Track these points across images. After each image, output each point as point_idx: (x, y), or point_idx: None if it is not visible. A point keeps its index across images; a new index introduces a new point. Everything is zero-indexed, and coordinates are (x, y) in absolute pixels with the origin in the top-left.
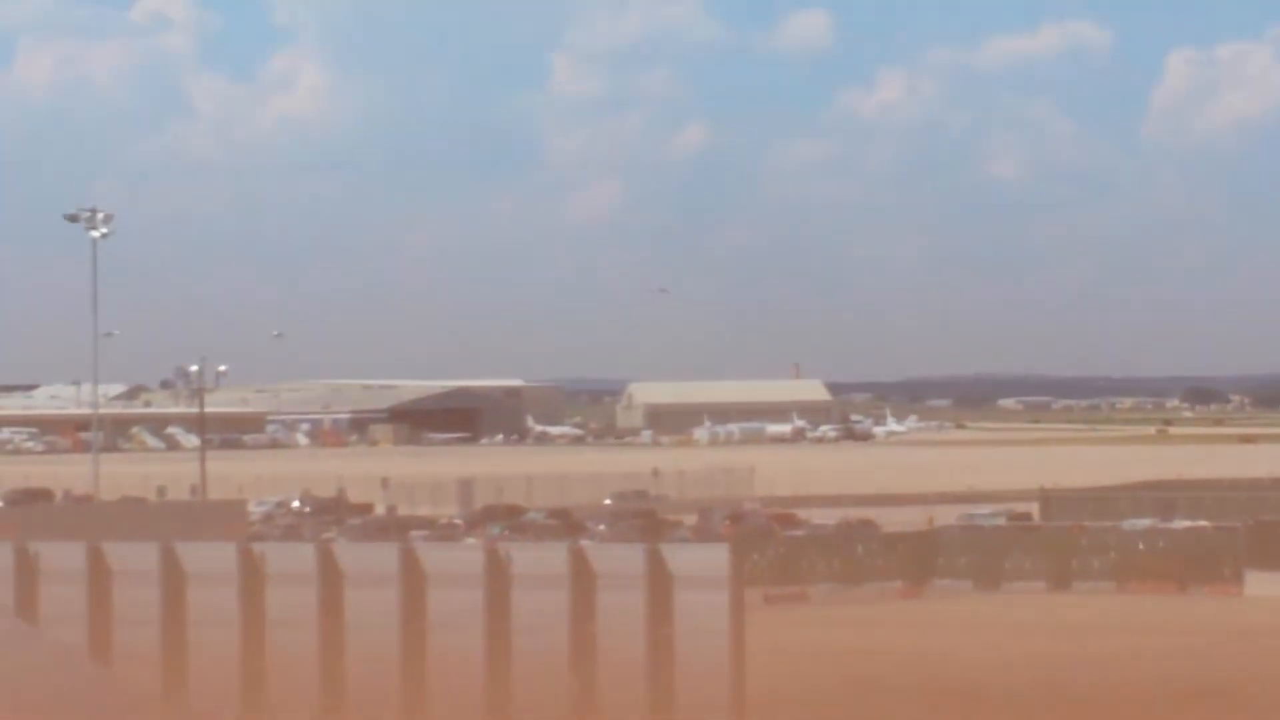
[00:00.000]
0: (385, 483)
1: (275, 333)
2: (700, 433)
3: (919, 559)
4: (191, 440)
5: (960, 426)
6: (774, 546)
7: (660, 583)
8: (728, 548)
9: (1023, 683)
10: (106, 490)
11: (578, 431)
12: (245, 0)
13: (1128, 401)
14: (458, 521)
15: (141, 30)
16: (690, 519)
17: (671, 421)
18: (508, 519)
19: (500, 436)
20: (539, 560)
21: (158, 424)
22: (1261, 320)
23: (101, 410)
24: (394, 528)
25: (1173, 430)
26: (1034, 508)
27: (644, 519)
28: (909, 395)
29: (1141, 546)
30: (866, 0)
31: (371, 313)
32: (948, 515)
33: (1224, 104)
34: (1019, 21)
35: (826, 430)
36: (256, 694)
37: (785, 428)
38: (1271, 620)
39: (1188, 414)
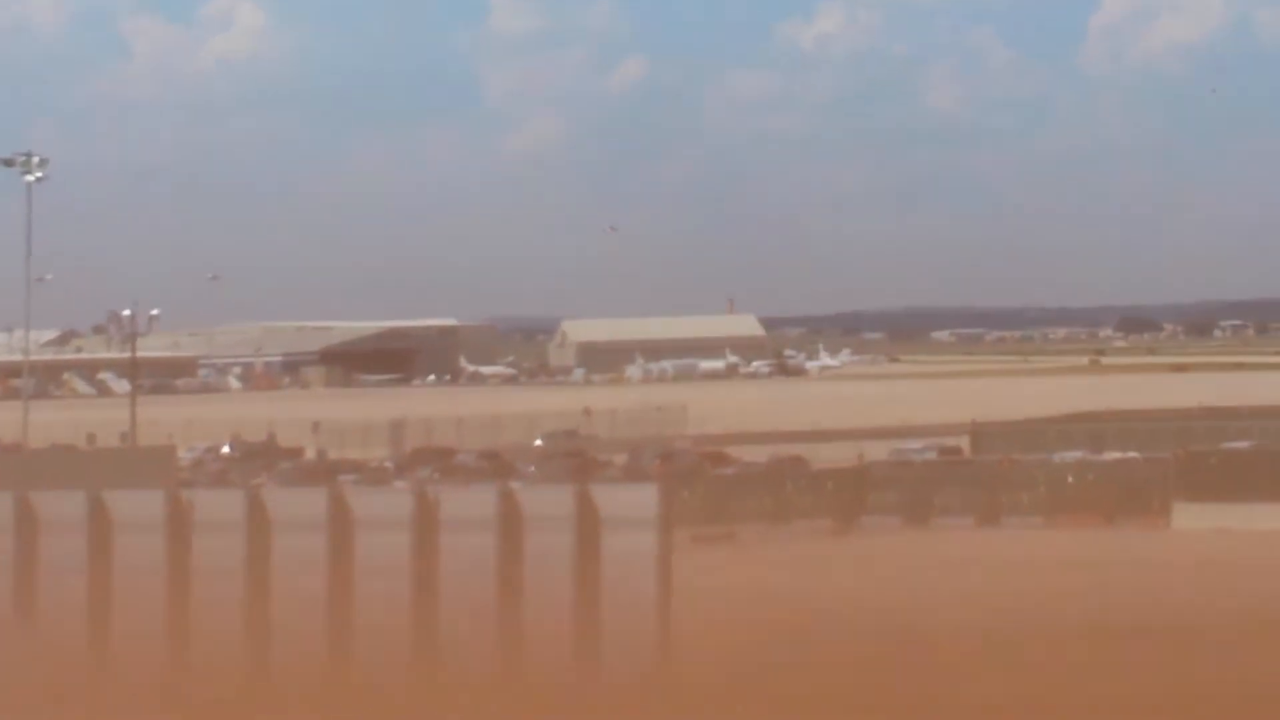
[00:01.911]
0: (316, 426)
1: (210, 275)
2: (633, 370)
3: (849, 496)
4: (123, 386)
5: (894, 360)
6: (703, 485)
7: (589, 524)
8: (657, 488)
9: (948, 623)
10: (36, 438)
11: (511, 371)
12: None
13: (1061, 332)
14: (388, 465)
15: None
16: (621, 459)
17: (605, 359)
18: (438, 461)
19: (433, 377)
20: (468, 503)
21: (89, 370)
22: (1195, 248)
23: (33, 357)
24: (324, 472)
25: (1105, 360)
26: (965, 442)
27: (575, 459)
28: (843, 329)
29: (1071, 480)
30: None
31: (307, 253)
32: (879, 451)
33: (1162, 29)
34: None
35: (759, 366)
36: (182, 642)
37: (718, 364)
38: (1190, 553)
39: (1120, 344)
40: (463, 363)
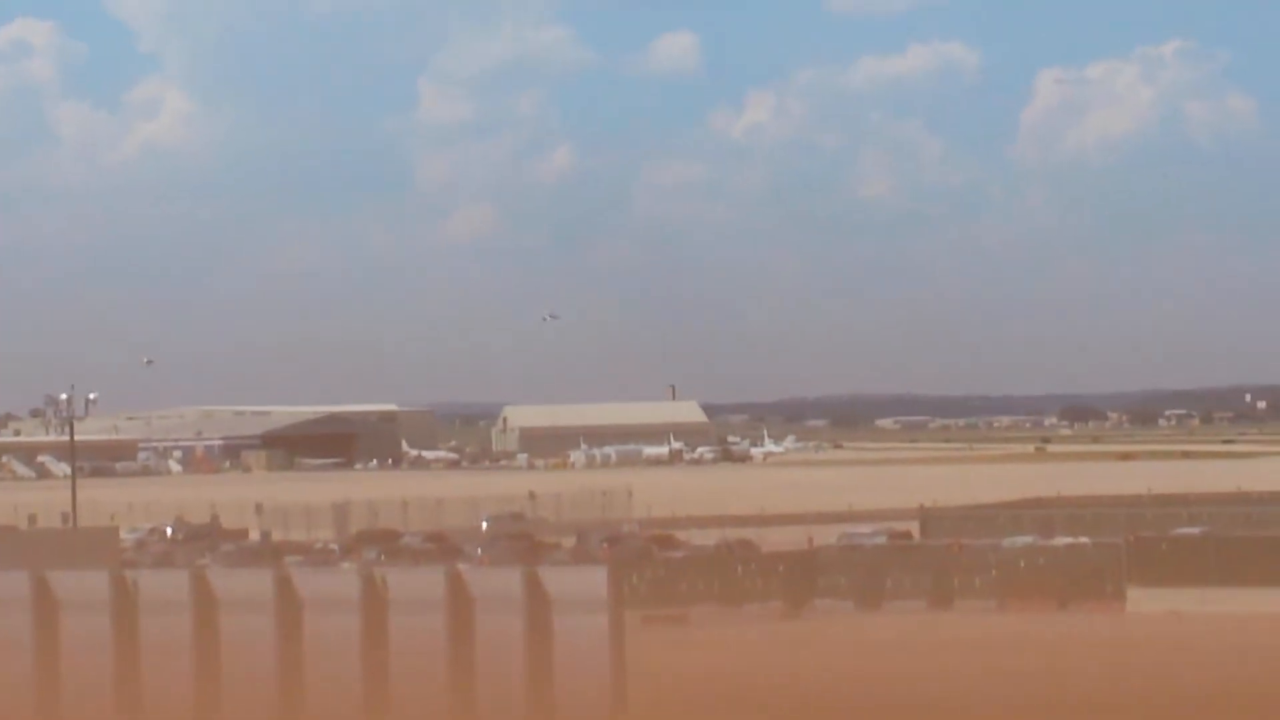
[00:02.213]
0: (259, 508)
1: (145, 359)
2: (576, 455)
3: (799, 579)
4: (62, 468)
5: (838, 446)
6: (652, 568)
7: (539, 605)
8: (606, 570)
9: (897, 702)
10: None
11: (453, 455)
12: (110, 27)
13: (1005, 420)
14: (333, 547)
15: (3, 57)
16: (568, 541)
17: (547, 445)
18: (384, 543)
19: (375, 461)
20: (416, 584)
21: (28, 452)
22: (1135, 338)
23: None
24: (269, 553)
25: (1051, 448)
26: (914, 526)
27: (521, 542)
28: (786, 415)
29: (1022, 564)
30: (734, 22)
31: (243, 338)
32: (827, 535)
33: (1093, 122)
34: (888, 42)
35: (703, 452)
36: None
37: (662, 450)
38: (1150, 635)
39: (1065, 432)
40: (405, 447)
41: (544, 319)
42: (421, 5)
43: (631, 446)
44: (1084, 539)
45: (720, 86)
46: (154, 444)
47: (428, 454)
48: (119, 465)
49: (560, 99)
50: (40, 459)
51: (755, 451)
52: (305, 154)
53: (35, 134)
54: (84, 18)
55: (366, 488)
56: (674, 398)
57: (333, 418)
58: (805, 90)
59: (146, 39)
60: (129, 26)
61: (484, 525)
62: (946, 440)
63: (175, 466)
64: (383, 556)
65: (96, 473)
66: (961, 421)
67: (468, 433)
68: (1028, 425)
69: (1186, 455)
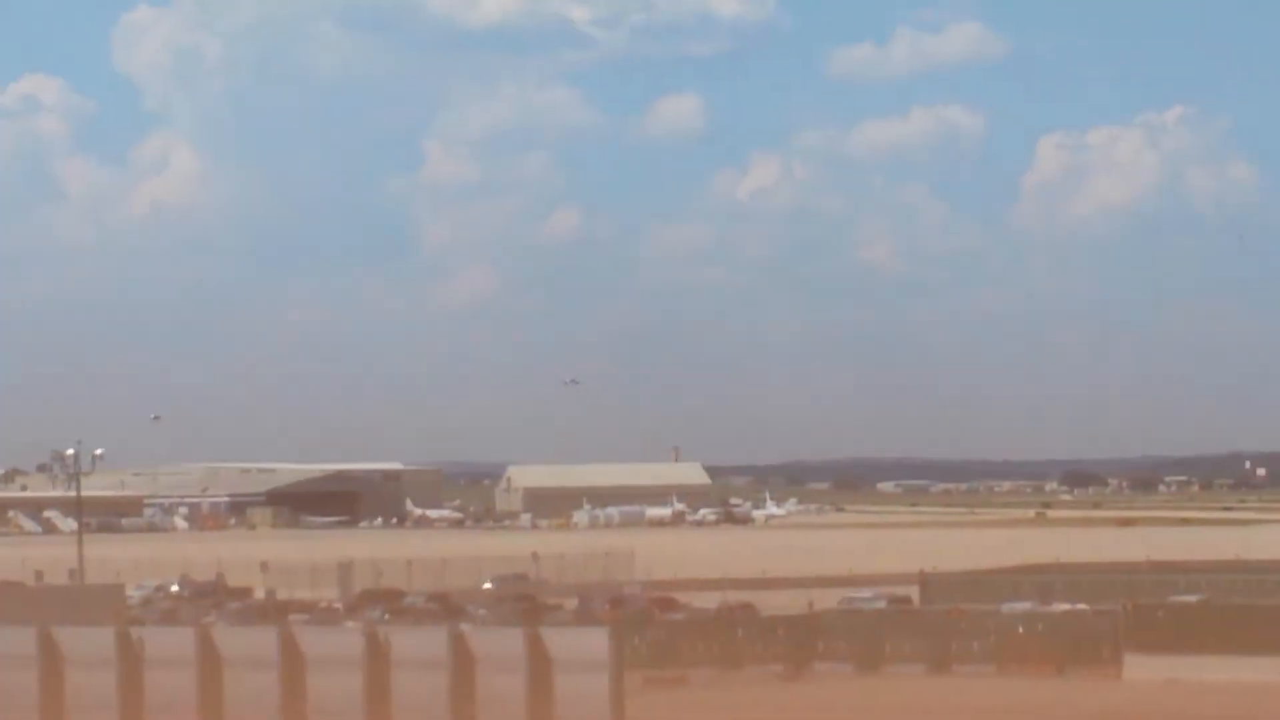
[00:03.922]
0: (264, 566)
1: (153, 416)
2: (579, 516)
3: (799, 642)
4: (69, 524)
5: (839, 509)
6: (654, 630)
7: (541, 665)
8: (608, 631)
9: None
10: None
11: (457, 515)
12: (118, 85)
13: (1006, 485)
14: (337, 605)
15: (11, 114)
16: (571, 603)
17: (550, 505)
18: (387, 603)
19: (379, 520)
20: (419, 644)
21: (34, 508)
22: (1136, 404)
23: None
24: (273, 612)
25: (1051, 513)
26: (914, 591)
27: (524, 603)
28: (788, 478)
29: (1021, 629)
30: (738, 86)
31: (248, 396)
32: (828, 599)
33: (1094, 189)
34: (891, 106)
35: (706, 513)
36: None
37: (665, 511)
38: (1147, 703)
39: (1066, 497)
40: (409, 506)
41: (566, 383)
42: (427, 67)
43: (634, 508)
44: (1082, 605)
45: (724, 150)
46: (160, 500)
47: (432, 513)
48: (125, 521)
49: (565, 161)
50: (47, 514)
51: (757, 514)
52: (311, 212)
53: (44, 190)
54: (92, 74)
55: (371, 546)
56: (677, 459)
57: (338, 476)
58: (808, 154)
59: (153, 96)
60: (136, 83)
61: (487, 585)
62: (947, 504)
63: (181, 523)
64: (386, 616)
65: (103, 529)
66: (963, 486)
67: (472, 492)
68: (1028, 490)
69: (1186, 522)
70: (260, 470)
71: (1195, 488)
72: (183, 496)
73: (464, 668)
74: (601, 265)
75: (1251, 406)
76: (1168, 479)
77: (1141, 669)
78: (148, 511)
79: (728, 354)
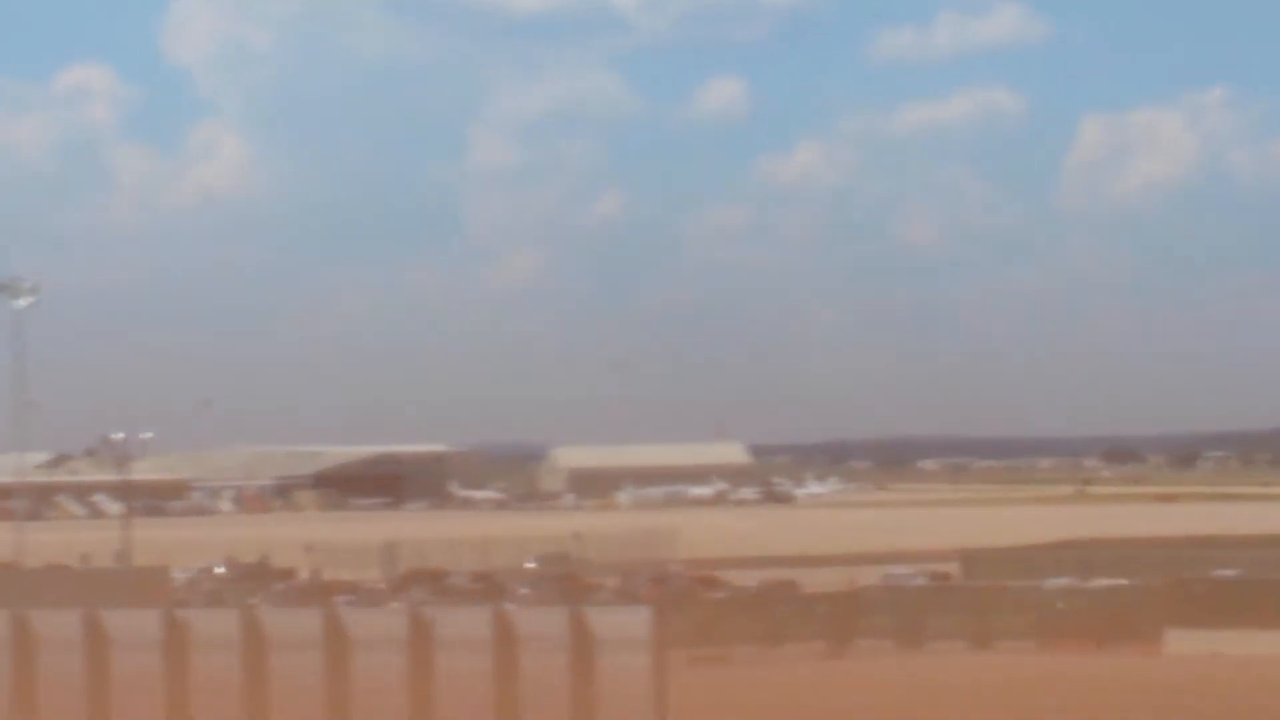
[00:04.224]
0: (309, 548)
1: (201, 399)
2: (622, 496)
3: (841, 619)
4: (116, 508)
5: (881, 488)
6: (696, 608)
7: (583, 645)
8: (650, 610)
9: None
10: (31, 558)
11: (501, 495)
12: (167, 72)
13: (1047, 462)
14: (382, 586)
15: (62, 102)
16: (613, 582)
17: (594, 485)
18: (431, 583)
19: (424, 501)
20: (463, 623)
21: (82, 492)
22: (1176, 380)
23: (26, 479)
24: (318, 592)
25: (1092, 490)
26: (955, 567)
27: (567, 582)
28: (830, 457)
29: (1061, 605)
30: (781, 68)
31: (296, 379)
32: (869, 576)
33: (1136, 168)
34: (933, 88)
35: (748, 493)
36: None
37: (707, 490)
38: (1188, 677)
39: (1106, 474)
40: (453, 487)
41: (612, 366)
42: (472, 52)
43: (677, 487)
44: (1123, 580)
45: (767, 132)
46: (207, 484)
47: (476, 494)
48: (172, 504)
49: (609, 145)
50: (94, 498)
51: (799, 493)
52: (357, 198)
53: (93, 178)
54: (140, 62)
55: (415, 527)
56: (719, 439)
57: (383, 458)
58: (850, 136)
59: (203, 83)
60: (185, 71)
61: (530, 565)
62: (988, 482)
63: (227, 506)
64: (430, 596)
65: (149, 512)
66: (1003, 463)
67: (515, 473)
68: (1069, 467)
69: (1226, 497)
70: (306, 453)
71: (1235, 463)
72: (229, 480)
73: (507, 647)
74: (645, 248)
75: None
76: (1208, 454)
77: (1182, 643)
78: (194, 495)
79: (770, 334)
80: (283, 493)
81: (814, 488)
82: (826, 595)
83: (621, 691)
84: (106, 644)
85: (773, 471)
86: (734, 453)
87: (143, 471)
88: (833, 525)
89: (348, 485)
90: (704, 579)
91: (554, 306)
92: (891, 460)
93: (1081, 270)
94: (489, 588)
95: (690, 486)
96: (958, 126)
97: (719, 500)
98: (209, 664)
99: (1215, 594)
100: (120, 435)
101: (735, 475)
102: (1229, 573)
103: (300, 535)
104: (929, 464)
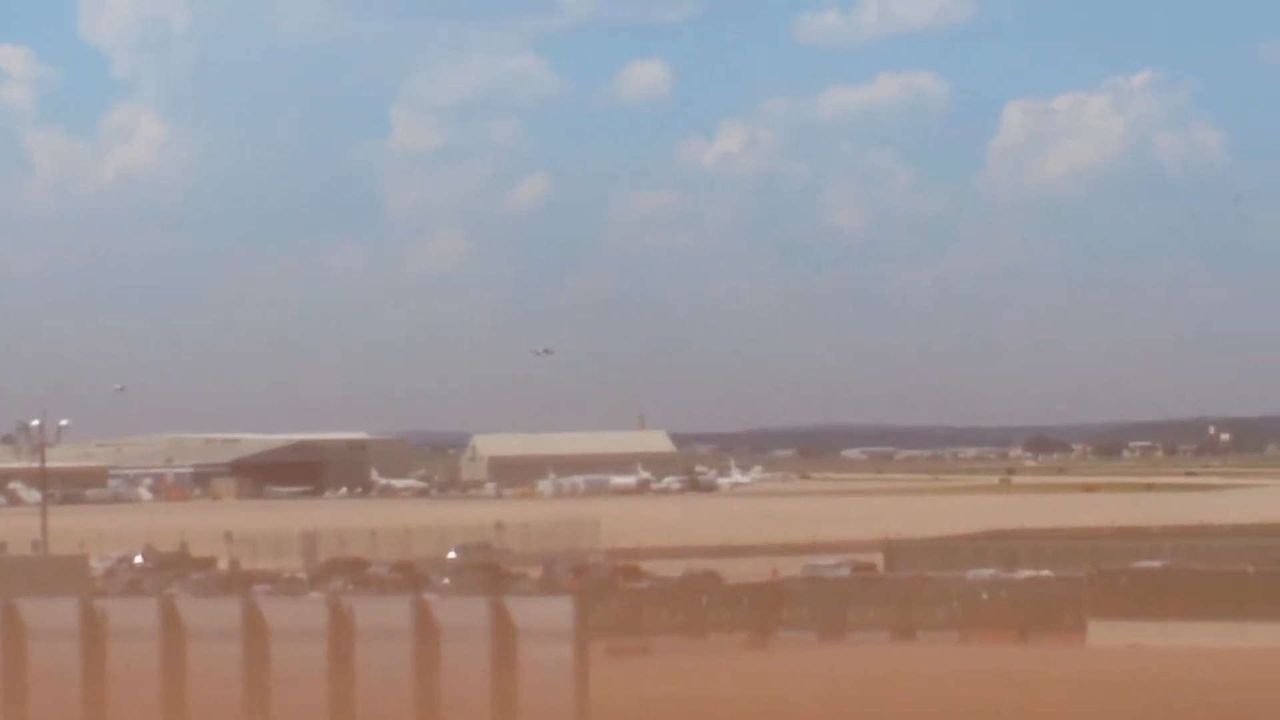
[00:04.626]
0: (228, 537)
1: (117, 387)
2: (544, 485)
3: (763, 610)
4: (33, 495)
5: (805, 477)
6: (618, 598)
7: (504, 635)
8: (572, 600)
9: None
10: None
11: (422, 484)
12: (84, 53)
13: (971, 451)
14: (301, 576)
15: None
16: (535, 572)
17: (516, 474)
18: (351, 573)
19: (344, 490)
20: (383, 614)
21: None
22: (1101, 369)
23: None
24: (237, 582)
25: (1016, 480)
26: (878, 558)
27: (488, 572)
28: (753, 446)
29: (985, 596)
30: (704, 51)
31: (213, 365)
32: (792, 566)
33: (1061, 153)
34: (858, 72)
35: (670, 481)
36: None
37: (630, 479)
38: (1110, 668)
39: (1030, 463)
40: (374, 476)
41: (537, 353)
42: (394, 33)
43: (599, 476)
44: (1046, 572)
45: (691, 115)
46: (124, 471)
47: (397, 483)
48: (89, 492)
49: (532, 128)
50: (11, 485)
51: (722, 481)
52: (277, 181)
53: (10, 161)
54: (57, 43)
55: (335, 516)
56: (642, 427)
57: (302, 446)
58: (775, 119)
59: (120, 65)
60: (103, 52)
61: (451, 555)
62: (912, 471)
63: (145, 494)
64: (350, 586)
65: (67, 500)
66: (928, 452)
67: (437, 461)
68: (993, 456)
69: (1150, 488)
70: (224, 440)
71: (1159, 453)
72: (147, 467)
73: (428, 637)
74: (570, 232)
75: (1216, 371)
76: (1132, 444)
77: (1105, 635)
78: (112, 482)
79: (695, 321)
80: (201, 480)
81: (737, 476)
82: (749, 586)
83: (543, 682)
84: (23, 633)
85: (696, 460)
86: (657, 441)
87: (59, 458)
88: (756, 515)
89: (267, 473)
90: (626, 569)
91: (476, 292)
92: (815, 449)
93: (1007, 257)
94: (410, 578)
95: (613, 475)
96: (883, 111)
97: (641, 489)
98: (127, 654)
99: (1138, 585)
100: (36, 421)
101: (658, 464)
102: (1153, 564)
103: (219, 524)
104: (853, 453)
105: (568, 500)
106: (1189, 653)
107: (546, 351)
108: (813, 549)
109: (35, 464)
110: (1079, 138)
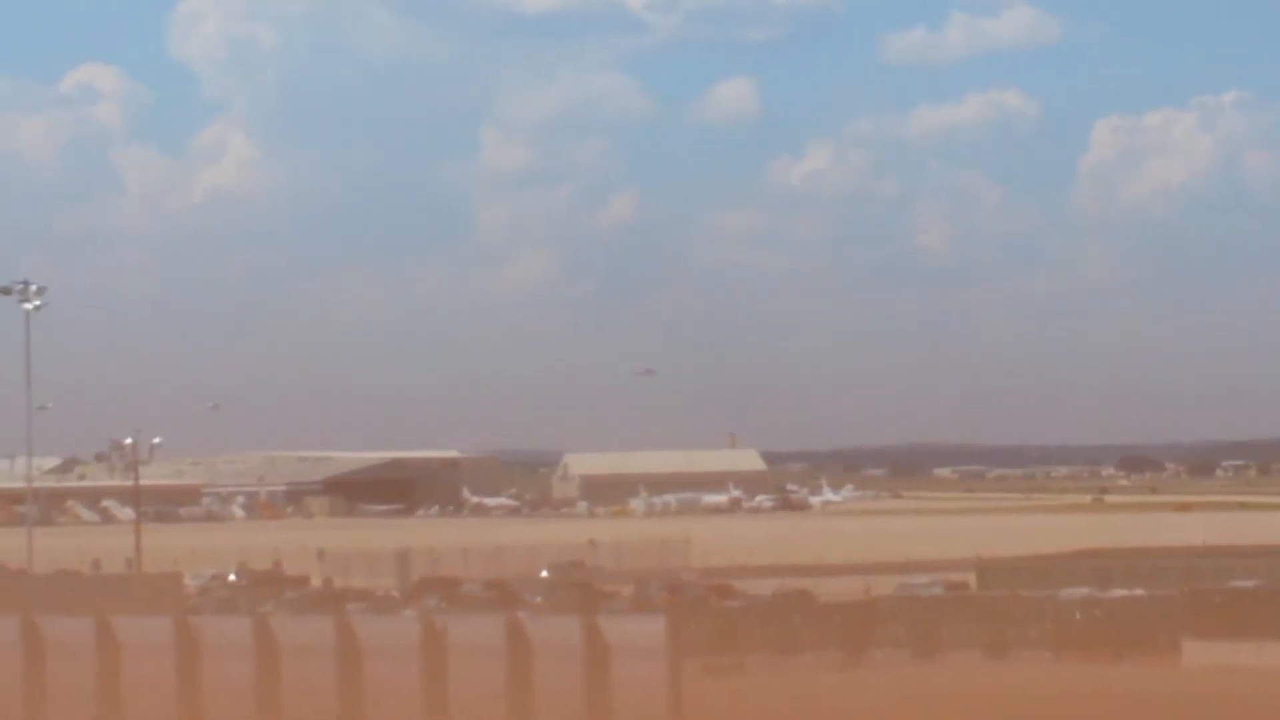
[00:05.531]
0: (321, 555)
1: (211, 404)
2: (636, 503)
3: (856, 629)
4: (126, 513)
5: (896, 496)
6: (711, 617)
7: (597, 653)
8: (664, 618)
9: None
10: (41, 564)
11: (514, 503)
12: (175, 73)
13: (1063, 470)
14: (395, 594)
15: (70, 103)
16: (627, 590)
17: (607, 492)
18: (444, 591)
19: (436, 508)
20: (476, 632)
21: (92, 497)
22: (1193, 388)
23: (35, 484)
24: (331, 600)
25: (1108, 499)
26: (970, 577)
27: (581, 590)
28: (844, 464)
29: (1078, 615)
30: (792, 71)
31: (306, 384)
32: (884, 585)
33: (1150, 171)
34: (945, 91)
35: (762, 500)
36: None
37: (721, 498)
38: (1205, 689)
39: (1123, 482)
40: (465, 494)
41: (638, 373)
42: (483, 53)
43: (691, 494)
44: (1140, 591)
45: (778, 135)
46: (218, 489)
47: (488, 501)
48: (183, 510)
49: (620, 147)
50: (104, 503)
51: (814, 500)
52: (367, 200)
53: (101, 179)
54: (148, 62)
55: (427, 534)
56: (734, 446)
57: (395, 464)
58: (862, 138)
59: (210, 84)
60: (193, 71)
61: (544, 573)
62: (1004, 490)
63: (238, 512)
64: (443, 604)
65: (160, 518)
66: (1019, 471)
67: (528, 480)
68: (1085, 475)
69: (1244, 506)
70: (317, 458)
71: (1253, 472)
72: (240, 485)
73: (521, 655)
74: (658, 250)
75: None
76: (1225, 463)
77: (1199, 654)
78: (205, 500)
79: (784, 340)
80: (294, 498)
81: (829, 495)
82: (841, 604)
83: (636, 700)
84: (117, 650)
85: (787, 479)
86: (748, 459)
87: (153, 476)
88: (848, 533)
89: (359, 491)
90: (718, 587)
91: (565, 310)
92: (906, 468)
93: (1096, 275)
94: (502, 596)
95: (704, 494)
96: (971, 130)
97: (733, 507)
98: (222, 671)
99: (1233, 604)
100: (130, 440)
101: (750, 482)
102: (1247, 583)
103: (312, 541)
104: (944, 472)
105: (659, 519)
106: None
107: (648, 371)
108: (905, 568)
109: (129, 482)
110: (1168, 156)
